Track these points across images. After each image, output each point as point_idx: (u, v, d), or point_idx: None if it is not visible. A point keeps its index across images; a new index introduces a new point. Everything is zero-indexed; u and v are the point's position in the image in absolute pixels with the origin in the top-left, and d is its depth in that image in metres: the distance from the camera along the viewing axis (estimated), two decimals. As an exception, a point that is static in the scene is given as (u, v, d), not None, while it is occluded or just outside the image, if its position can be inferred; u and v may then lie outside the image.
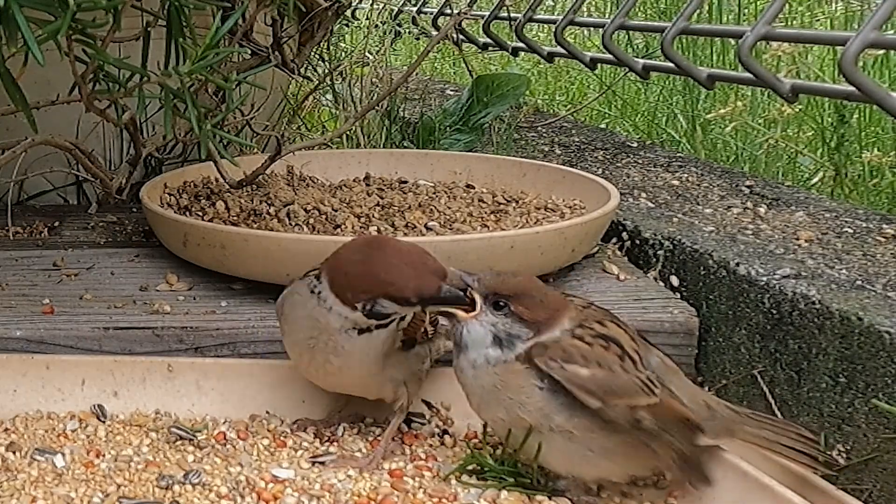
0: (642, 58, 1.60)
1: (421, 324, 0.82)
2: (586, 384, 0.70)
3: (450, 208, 1.19)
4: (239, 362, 0.90)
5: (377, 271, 0.74)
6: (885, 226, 1.06)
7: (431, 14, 2.44)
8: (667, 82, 2.02)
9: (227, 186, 1.15)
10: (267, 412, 0.88)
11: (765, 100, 1.74)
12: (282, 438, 0.84)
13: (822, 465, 0.75)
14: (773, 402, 0.88)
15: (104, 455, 0.81)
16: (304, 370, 0.83)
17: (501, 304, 0.73)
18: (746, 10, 2.00)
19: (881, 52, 1.49)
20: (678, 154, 1.56)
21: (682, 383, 0.76)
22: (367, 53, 1.97)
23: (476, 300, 0.73)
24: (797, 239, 1.02)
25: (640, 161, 1.48)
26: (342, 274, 0.76)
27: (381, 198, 1.23)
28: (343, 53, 2.05)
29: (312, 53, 1.58)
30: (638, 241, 1.13)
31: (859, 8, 1.87)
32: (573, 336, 0.72)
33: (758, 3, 2.01)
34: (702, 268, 1.00)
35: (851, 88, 1.05)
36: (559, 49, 1.74)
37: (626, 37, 2.09)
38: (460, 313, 0.73)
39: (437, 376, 0.87)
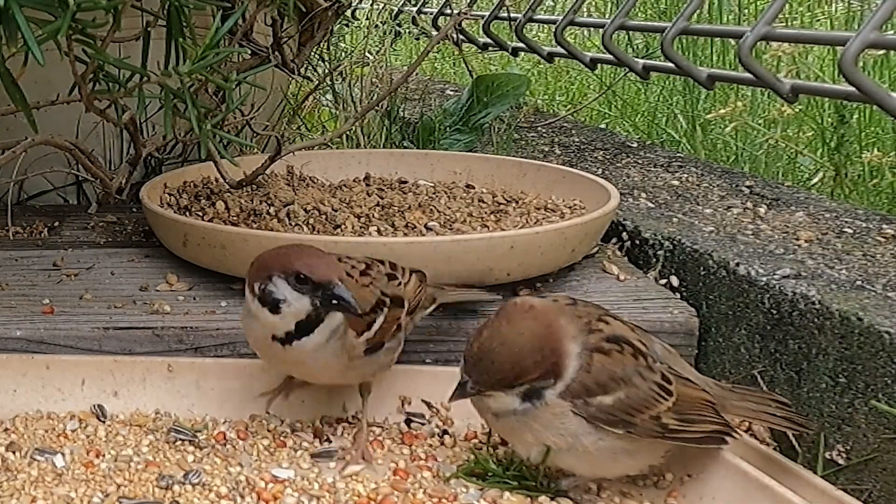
0: (642, 58, 1.60)
1: (392, 324, 0.82)
2: (612, 414, 0.71)
3: (450, 208, 1.19)
4: (239, 362, 0.90)
5: (279, 253, 0.78)
6: (885, 226, 1.06)
7: (431, 14, 2.44)
8: (667, 82, 2.02)
9: (227, 186, 1.15)
10: (267, 412, 0.88)
11: (765, 100, 1.74)
12: (282, 438, 0.84)
13: (798, 427, 0.79)
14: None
15: (104, 455, 0.81)
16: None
17: (512, 384, 0.71)
18: (746, 10, 2.01)
19: (881, 52, 1.49)
20: (678, 154, 1.56)
21: (686, 366, 0.77)
22: (367, 53, 1.97)
23: (490, 394, 0.72)
24: (797, 239, 1.02)
25: (640, 161, 1.48)
26: (254, 262, 0.80)
27: (381, 198, 1.23)
28: (343, 53, 2.05)
29: (312, 53, 1.58)
30: (638, 241, 1.13)
31: (859, 8, 1.87)
32: (591, 351, 0.72)
33: (758, 3, 2.01)
34: (702, 268, 1.00)
35: (851, 88, 1.05)
36: (559, 49, 1.74)
37: (626, 37, 2.09)
38: (490, 395, 0.72)
39: (438, 376, 0.87)
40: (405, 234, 1.11)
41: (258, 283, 0.77)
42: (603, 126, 2.00)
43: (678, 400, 0.72)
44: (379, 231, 1.11)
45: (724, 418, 0.74)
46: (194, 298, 1.03)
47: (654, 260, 1.09)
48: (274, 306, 0.77)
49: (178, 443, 0.83)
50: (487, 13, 2.06)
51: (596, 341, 0.72)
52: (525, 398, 0.71)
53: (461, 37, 2.11)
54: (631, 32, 1.96)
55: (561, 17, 1.70)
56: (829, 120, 1.51)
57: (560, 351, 0.71)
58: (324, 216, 1.15)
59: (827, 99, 1.48)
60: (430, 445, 0.84)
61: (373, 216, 1.17)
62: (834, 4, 2.09)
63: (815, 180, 1.49)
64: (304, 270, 0.75)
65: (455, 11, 2.16)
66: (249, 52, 1.18)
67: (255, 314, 0.78)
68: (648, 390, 0.72)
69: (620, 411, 0.71)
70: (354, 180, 1.33)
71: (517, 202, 1.23)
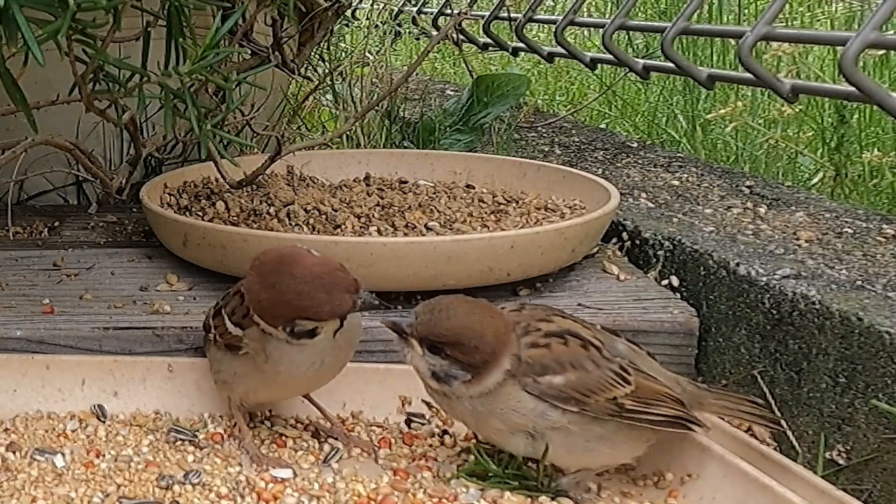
0: (642, 58, 1.61)
1: None
2: (562, 391, 0.71)
3: (450, 208, 1.19)
4: (239, 362, 0.90)
5: (288, 298, 0.76)
6: (885, 226, 1.06)
7: (431, 14, 2.44)
8: (667, 82, 2.02)
9: (227, 186, 1.15)
10: (269, 412, 0.88)
11: (765, 100, 1.74)
12: (282, 438, 0.84)
13: (773, 424, 0.81)
14: (773, 402, 0.88)
15: (104, 455, 0.81)
16: (264, 396, 0.84)
17: (437, 348, 0.73)
18: (746, 10, 2.00)
19: (881, 52, 1.49)
20: (678, 154, 1.56)
21: (653, 365, 0.77)
22: (367, 53, 1.97)
23: (414, 344, 0.73)
24: (797, 239, 1.02)
25: (640, 161, 1.48)
26: (257, 301, 0.77)
27: (381, 198, 1.23)
28: (343, 53, 2.05)
29: (312, 53, 1.58)
30: (638, 241, 1.13)
31: (859, 8, 1.87)
32: (527, 346, 0.73)
33: (758, 3, 2.01)
34: (702, 268, 1.00)
35: (851, 88, 1.05)
36: (559, 49, 1.74)
37: (626, 37, 2.09)
38: (411, 345, 0.74)
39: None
40: (405, 234, 1.11)
41: (284, 327, 0.77)
42: (603, 126, 2.00)
43: (637, 389, 0.73)
44: (379, 231, 1.11)
45: (685, 408, 0.74)
46: (194, 298, 1.03)
47: (655, 260, 1.09)
48: (311, 334, 0.77)
49: (178, 443, 0.83)
50: (487, 13, 2.06)
51: (530, 340, 0.73)
52: (434, 375, 0.73)
53: (461, 37, 2.11)
54: (631, 32, 1.96)
55: (561, 17, 1.70)
56: (829, 120, 1.50)
57: (494, 360, 0.72)
58: (324, 216, 1.15)
59: (827, 99, 1.48)
60: (430, 445, 0.84)
61: (373, 216, 1.17)
62: (834, 4, 2.09)
63: (815, 180, 1.49)
64: (313, 316, 0.75)
65: (455, 11, 2.16)
66: (249, 52, 1.18)
67: (299, 343, 0.77)
68: (603, 375, 0.72)
69: (573, 390, 0.71)
70: (354, 180, 1.33)
71: (517, 202, 1.23)
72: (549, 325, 0.74)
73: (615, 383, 0.72)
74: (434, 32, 2.25)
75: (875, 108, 1.22)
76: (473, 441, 0.83)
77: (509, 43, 2.02)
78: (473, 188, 1.31)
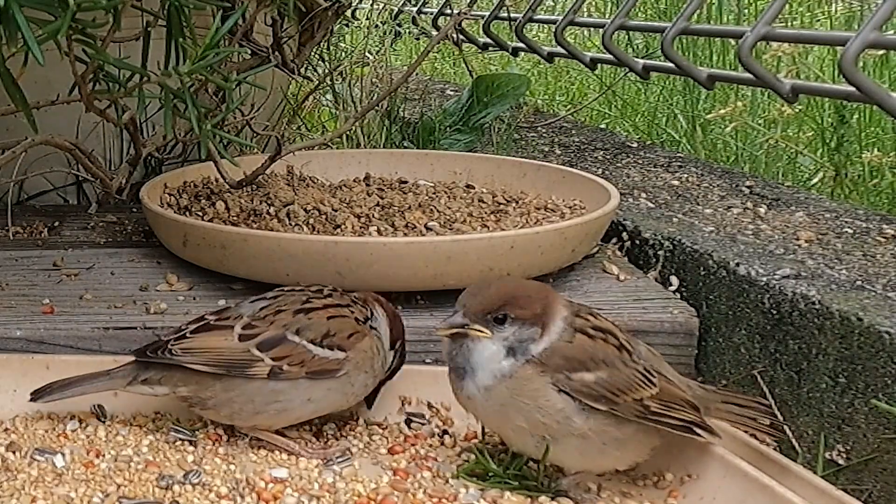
0: (642, 58, 1.60)
1: None
2: (594, 389, 0.72)
3: (450, 208, 1.19)
4: (239, 362, 0.90)
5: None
6: (885, 226, 1.06)
7: (431, 14, 2.44)
8: (667, 82, 2.02)
9: (227, 186, 1.15)
10: (267, 412, 0.88)
11: (765, 100, 1.74)
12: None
13: (778, 432, 0.80)
14: (773, 402, 0.88)
15: (104, 455, 0.81)
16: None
17: (500, 317, 0.73)
18: (746, 10, 2.00)
19: (881, 52, 1.49)
20: (678, 154, 1.56)
21: (668, 369, 0.78)
22: (367, 53, 1.97)
23: (481, 329, 0.73)
24: (797, 239, 1.02)
25: (640, 161, 1.48)
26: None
27: (381, 198, 1.23)
28: (343, 53, 2.05)
29: (312, 53, 1.58)
30: (638, 241, 1.13)
31: (859, 8, 1.87)
32: (575, 329, 0.74)
33: (758, 3, 2.01)
34: (702, 268, 1.00)
35: (851, 88, 1.05)
36: (559, 49, 1.74)
37: (626, 37, 2.09)
38: (476, 332, 0.73)
39: (438, 376, 0.87)
40: (405, 234, 1.11)
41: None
42: (603, 126, 2.00)
43: (660, 392, 0.74)
44: (379, 231, 1.11)
45: (700, 415, 0.75)
46: (194, 298, 1.03)
47: (654, 260, 1.09)
48: None
49: (178, 443, 0.83)
50: (487, 13, 2.06)
51: (581, 324, 0.74)
52: (510, 351, 0.72)
53: (461, 37, 2.11)
54: (631, 32, 1.96)
55: (561, 17, 1.70)
56: (829, 120, 1.50)
57: (550, 305, 0.74)
58: (324, 216, 1.15)
59: (827, 99, 1.48)
60: (431, 445, 0.84)
61: (373, 216, 1.17)
62: (834, 4, 2.09)
63: (815, 180, 1.49)
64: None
65: (455, 11, 2.16)
66: (249, 52, 1.18)
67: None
68: (632, 375, 0.73)
69: (603, 388, 0.72)
70: (354, 180, 1.33)
71: (517, 202, 1.23)
72: (596, 321, 0.76)
73: (642, 384, 0.73)
74: (434, 32, 2.25)
75: (875, 108, 1.22)
76: (474, 441, 0.83)
77: (509, 43, 2.02)
78: (473, 188, 1.31)
